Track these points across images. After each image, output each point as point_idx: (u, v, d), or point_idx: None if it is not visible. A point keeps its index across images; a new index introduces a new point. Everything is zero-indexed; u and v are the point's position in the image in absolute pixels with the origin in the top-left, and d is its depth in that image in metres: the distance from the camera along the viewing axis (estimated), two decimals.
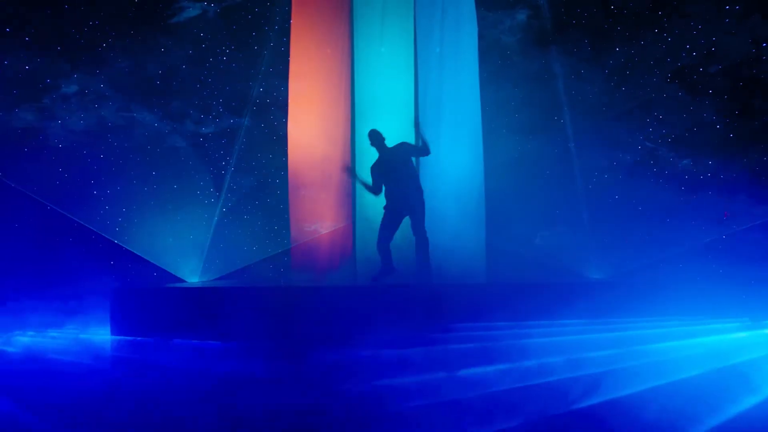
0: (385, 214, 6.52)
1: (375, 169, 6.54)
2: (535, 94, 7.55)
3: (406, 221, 6.60)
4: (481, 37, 7.47)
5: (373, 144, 6.60)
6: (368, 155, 7.10)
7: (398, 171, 6.44)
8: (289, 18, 7.49)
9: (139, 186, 7.11)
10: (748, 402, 3.89)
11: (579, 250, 7.15)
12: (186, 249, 7.21)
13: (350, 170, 6.84)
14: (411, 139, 7.20)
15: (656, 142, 7.20)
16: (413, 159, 6.60)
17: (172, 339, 5.31)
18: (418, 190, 6.48)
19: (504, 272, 7.27)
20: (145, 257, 6.93)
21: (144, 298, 5.82)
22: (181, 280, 7.03)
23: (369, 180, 6.57)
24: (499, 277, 7.13)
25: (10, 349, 5.26)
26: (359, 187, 7.06)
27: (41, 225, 6.46)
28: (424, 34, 7.50)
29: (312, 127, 7.40)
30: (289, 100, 7.41)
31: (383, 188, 6.50)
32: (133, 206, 7.05)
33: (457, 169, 7.30)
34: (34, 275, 6.05)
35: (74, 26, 6.70)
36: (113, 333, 5.66)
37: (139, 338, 5.42)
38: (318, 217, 7.30)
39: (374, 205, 6.93)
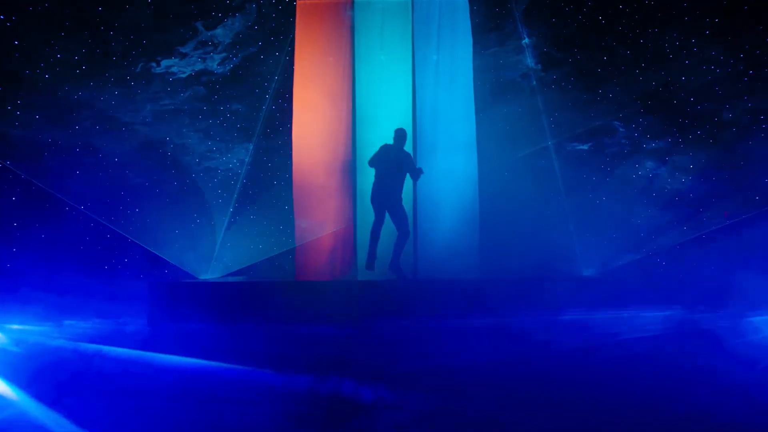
0: (375, 206, 7.05)
1: (382, 151, 7.05)
2: (522, 109, 7.92)
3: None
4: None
5: (398, 140, 7.06)
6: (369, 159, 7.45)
7: (398, 174, 6.98)
8: (293, 30, 7.68)
9: (160, 194, 7.51)
10: None
11: (569, 250, 7.46)
12: (198, 248, 7.52)
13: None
14: (409, 143, 7.54)
15: (625, 158, 7.66)
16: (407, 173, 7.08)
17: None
18: (400, 195, 7.02)
19: (497, 270, 7.55)
20: (163, 257, 7.25)
21: (178, 291, 6.45)
22: (193, 277, 7.30)
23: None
24: (492, 274, 7.43)
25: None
26: (360, 190, 7.40)
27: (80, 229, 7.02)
28: (422, 43, 7.72)
29: (315, 132, 7.56)
30: (294, 106, 7.57)
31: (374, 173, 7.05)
32: (152, 210, 7.41)
33: (452, 171, 7.52)
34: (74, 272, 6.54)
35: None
36: (150, 320, 6.19)
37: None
38: (321, 218, 7.47)
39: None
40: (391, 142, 7.07)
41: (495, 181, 7.69)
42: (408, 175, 7.06)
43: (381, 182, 7.01)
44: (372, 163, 7.10)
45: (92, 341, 5.23)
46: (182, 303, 6.23)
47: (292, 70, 7.69)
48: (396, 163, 7.00)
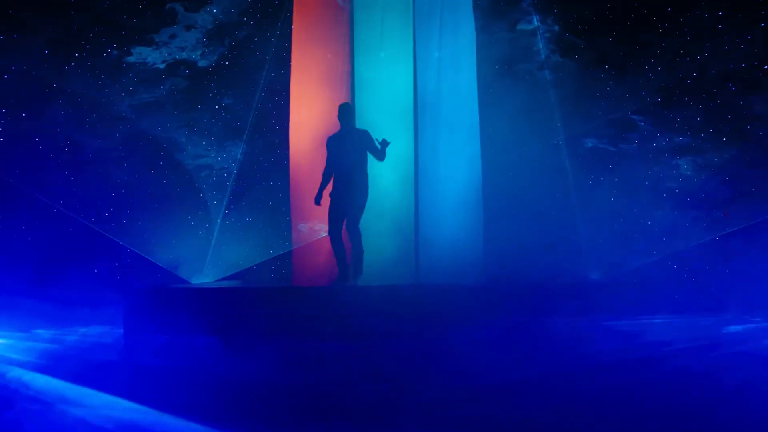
0: (332, 201, 6.38)
1: (331, 141, 6.44)
2: (531, 103, 7.60)
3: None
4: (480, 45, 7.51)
5: (341, 117, 6.47)
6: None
7: (350, 156, 6.30)
8: (290, 24, 7.49)
9: (145, 189, 7.19)
10: None
11: (576, 250, 7.18)
12: (190, 250, 7.25)
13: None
14: (410, 142, 7.31)
15: (643, 151, 7.30)
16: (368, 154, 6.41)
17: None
18: (363, 186, 6.32)
19: (501, 273, 7.28)
20: (151, 258, 7.01)
21: (157, 297, 5.87)
22: (185, 281, 7.06)
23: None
24: (497, 278, 7.16)
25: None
26: None
27: (52, 227, 6.63)
28: (423, 40, 7.52)
29: (313, 131, 7.35)
30: (291, 104, 7.38)
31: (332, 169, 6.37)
32: (138, 208, 7.11)
33: (455, 172, 7.31)
34: (41, 274, 6.16)
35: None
36: (127, 331, 5.68)
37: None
38: (319, 220, 7.23)
39: (373, 208, 6.90)
40: (379, 138, 6.40)
41: (501, 181, 7.45)
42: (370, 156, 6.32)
43: (344, 177, 6.24)
44: (330, 167, 6.38)
45: (47, 357, 4.61)
46: (162, 311, 5.67)
47: (289, 66, 7.46)
48: (357, 150, 6.27)
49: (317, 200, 6.43)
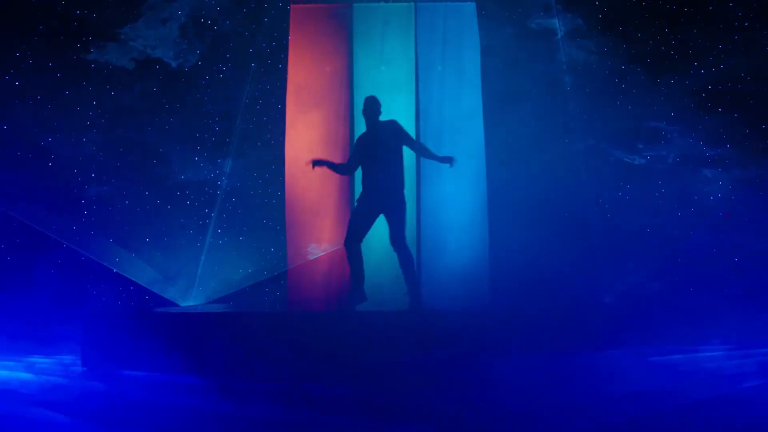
0: (357, 206, 5.72)
1: (359, 142, 5.83)
2: (543, 111, 7.25)
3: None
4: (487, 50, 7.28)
5: (366, 111, 5.76)
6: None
7: (380, 154, 5.56)
8: (287, 36, 7.32)
9: (130, 205, 6.79)
10: None
11: (589, 272, 6.81)
12: (178, 270, 6.92)
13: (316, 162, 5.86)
14: (412, 159, 7.03)
15: (665, 166, 6.94)
16: (403, 148, 5.67)
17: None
18: (399, 188, 5.55)
19: (508, 296, 6.91)
20: (135, 279, 6.63)
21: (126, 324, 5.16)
22: (174, 304, 6.74)
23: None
24: (504, 301, 6.81)
25: None
26: None
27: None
28: (426, 52, 7.40)
29: (310, 147, 7.17)
30: (287, 119, 7.23)
31: (359, 170, 5.71)
32: (121, 226, 6.72)
33: (459, 188, 7.11)
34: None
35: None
36: (86, 366, 5.06)
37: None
38: (315, 239, 7.10)
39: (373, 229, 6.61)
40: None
41: (508, 198, 7.14)
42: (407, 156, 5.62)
43: (371, 178, 5.55)
44: (353, 164, 5.76)
45: None
46: (131, 341, 4.94)
47: (285, 79, 7.25)
48: (383, 146, 5.52)
49: (315, 163, 5.77)
